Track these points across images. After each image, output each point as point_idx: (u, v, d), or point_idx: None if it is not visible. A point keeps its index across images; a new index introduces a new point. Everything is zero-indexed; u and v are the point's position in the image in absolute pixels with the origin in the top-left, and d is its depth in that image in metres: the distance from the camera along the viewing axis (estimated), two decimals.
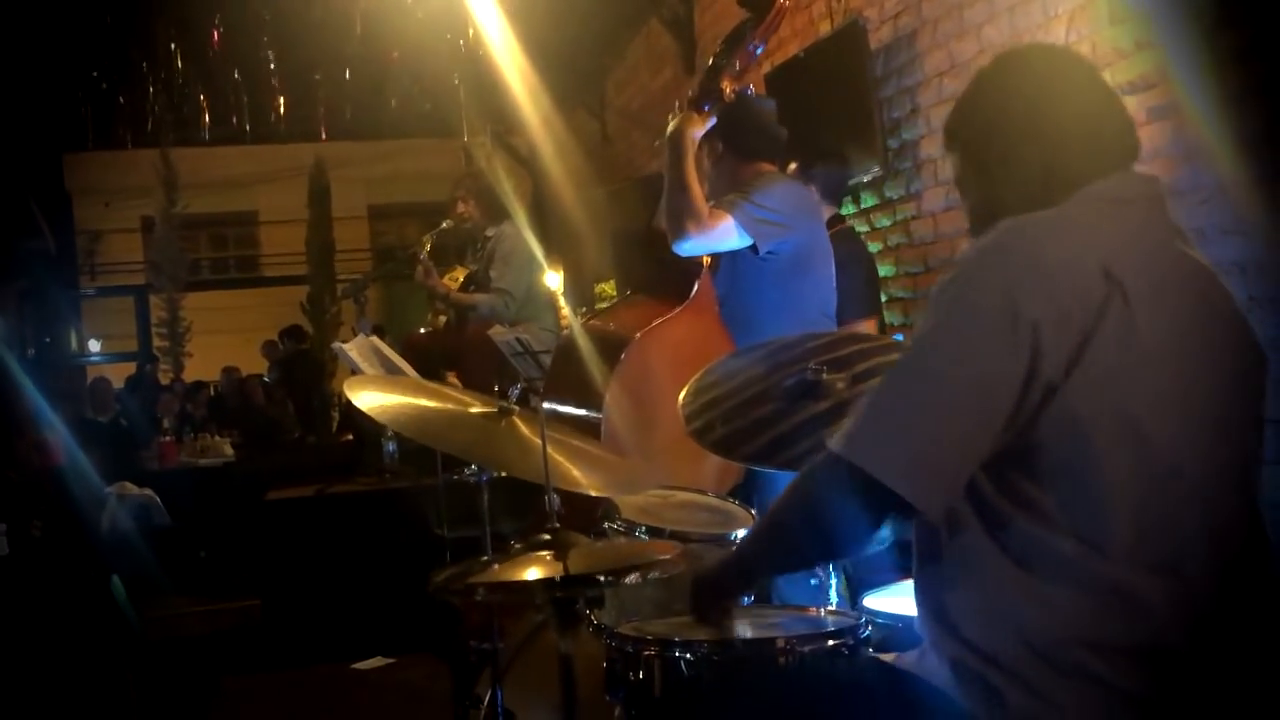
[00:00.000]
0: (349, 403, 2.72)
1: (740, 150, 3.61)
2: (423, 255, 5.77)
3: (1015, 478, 1.59)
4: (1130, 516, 1.55)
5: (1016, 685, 1.56)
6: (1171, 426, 1.58)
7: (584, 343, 3.58)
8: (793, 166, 4.50)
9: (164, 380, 15.78)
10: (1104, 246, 1.61)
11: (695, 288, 3.53)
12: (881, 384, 1.65)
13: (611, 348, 3.42)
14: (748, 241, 3.40)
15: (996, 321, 1.55)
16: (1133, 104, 3.85)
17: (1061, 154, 1.75)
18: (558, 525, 2.07)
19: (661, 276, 3.64)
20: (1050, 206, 1.72)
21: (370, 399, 2.42)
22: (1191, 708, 1.58)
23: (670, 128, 3.44)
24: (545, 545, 2.02)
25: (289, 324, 13.56)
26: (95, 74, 11.46)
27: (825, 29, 6.19)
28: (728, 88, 3.41)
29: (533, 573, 1.95)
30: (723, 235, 3.37)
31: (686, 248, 3.39)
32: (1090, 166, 1.74)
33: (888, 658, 1.79)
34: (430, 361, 5.32)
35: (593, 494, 2.38)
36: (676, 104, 3.46)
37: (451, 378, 5.44)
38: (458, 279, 5.87)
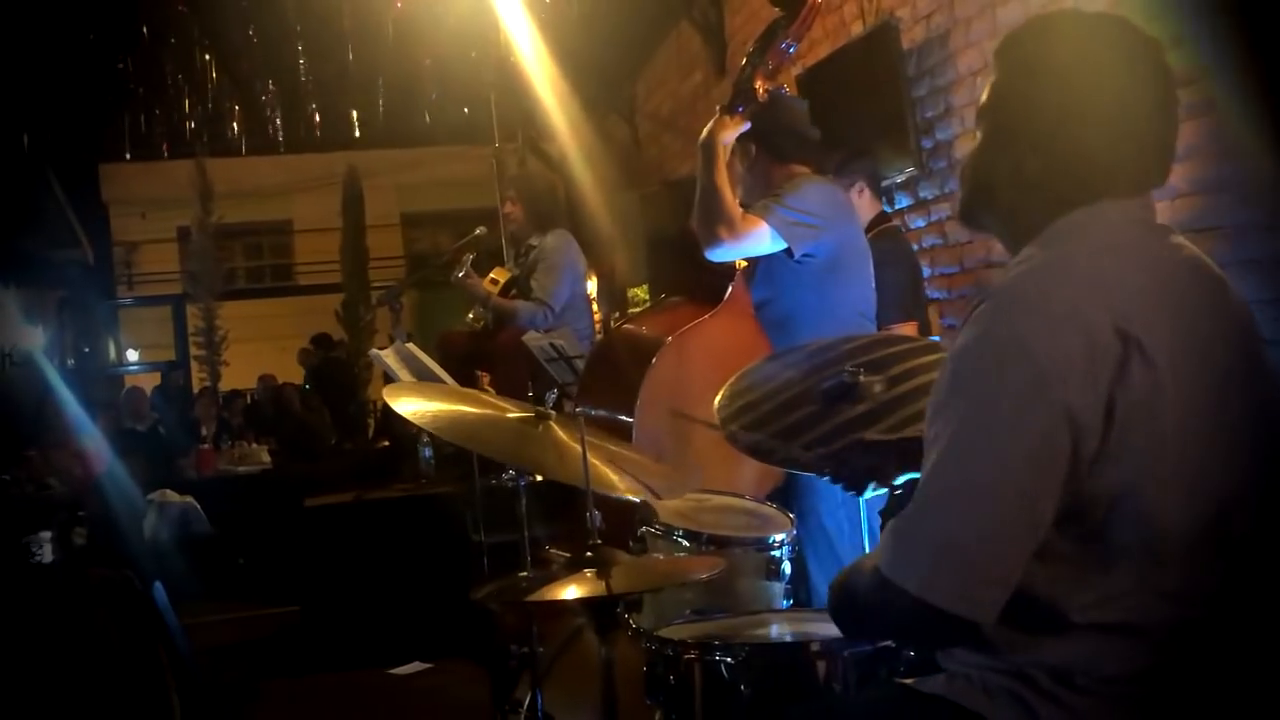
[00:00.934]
0: (385, 409, 2.74)
1: (774, 152, 3.59)
2: (462, 273, 5.73)
3: (1049, 539, 1.54)
4: (1156, 559, 1.53)
5: (1049, 702, 1.55)
6: (1203, 468, 1.54)
7: (617, 347, 3.58)
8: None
9: (196, 387, 15.94)
10: (1112, 297, 1.53)
11: (729, 290, 3.52)
12: (923, 494, 1.56)
13: (645, 351, 3.41)
14: (781, 245, 3.38)
15: (1023, 409, 1.48)
16: None
17: (1087, 157, 1.61)
18: (599, 541, 2.07)
19: (695, 280, 3.63)
20: (1045, 212, 1.63)
21: (409, 406, 2.43)
22: (1221, 711, 1.57)
23: (704, 135, 3.42)
24: (588, 563, 2.02)
25: (322, 331, 13.63)
26: (131, 86, 11.56)
27: (857, 29, 6.18)
28: (761, 88, 3.39)
29: (574, 591, 1.95)
30: (756, 240, 3.35)
31: (719, 254, 3.37)
32: (1112, 183, 1.62)
33: (912, 682, 1.77)
34: (464, 360, 5.32)
35: (631, 498, 2.37)
36: (718, 109, 3.45)
37: (483, 379, 5.44)
38: (499, 281, 5.83)
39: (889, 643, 2.02)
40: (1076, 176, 1.62)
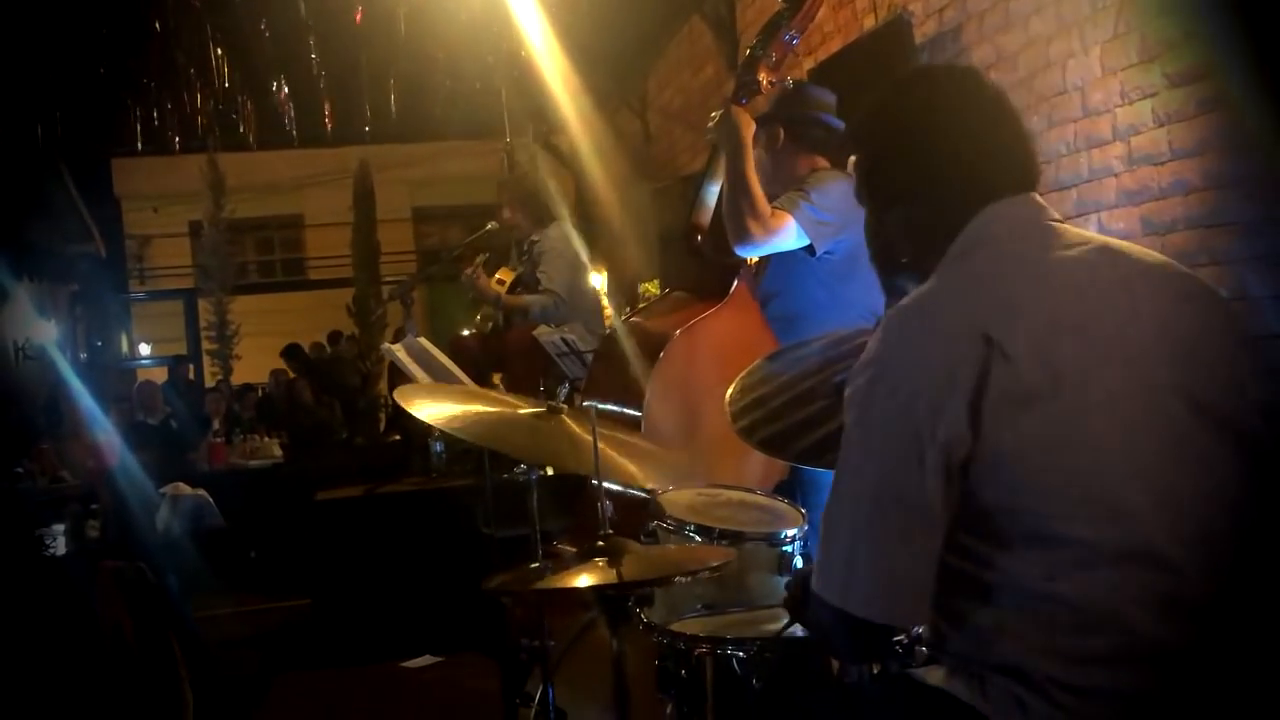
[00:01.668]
0: (397, 403, 2.74)
1: (802, 140, 3.59)
2: (473, 270, 5.76)
3: (972, 543, 1.59)
4: (1088, 550, 1.54)
5: (1040, 697, 1.56)
6: (1109, 460, 1.56)
7: (624, 341, 3.58)
8: (853, 159, 4.47)
9: (209, 382, 15.99)
10: (983, 306, 1.62)
11: (734, 285, 3.51)
12: (827, 510, 1.67)
13: (651, 345, 3.41)
14: (805, 242, 3.38)
15: (891, 424, 1.59)
16: (1181, 95, 3.81)
17: (955, 183, 1.75)
18: (610, 531, 2.07)
19: (701, 274, 3.63)
20: (942, 244, 1.73)
21: (421, 409, 2.44)
22: (1198, 706, 1.56)
23: (724, 127, 3.40)
24: (599, 552, 2.03)
25: (293, 342, 13.61)
26: (143, 80, 11.58)
27: (870, 23, 6.17)
28: (764, 79, 3.40)
29: (586, 580, 1.96)
30: (784, 236, 3.35)
31: (749, 249, 3.37)
32: (986, 193, 1.74)
33: (919, 673, 1.78)
34: (476, 364, 5.33)
35: (645, 484, 2.37)
36: (724, 99, 3.45)
37: (496, 380, 5.45)
38: (505, 281, 5.86)
39: None
40: (957, 203, 1.75)
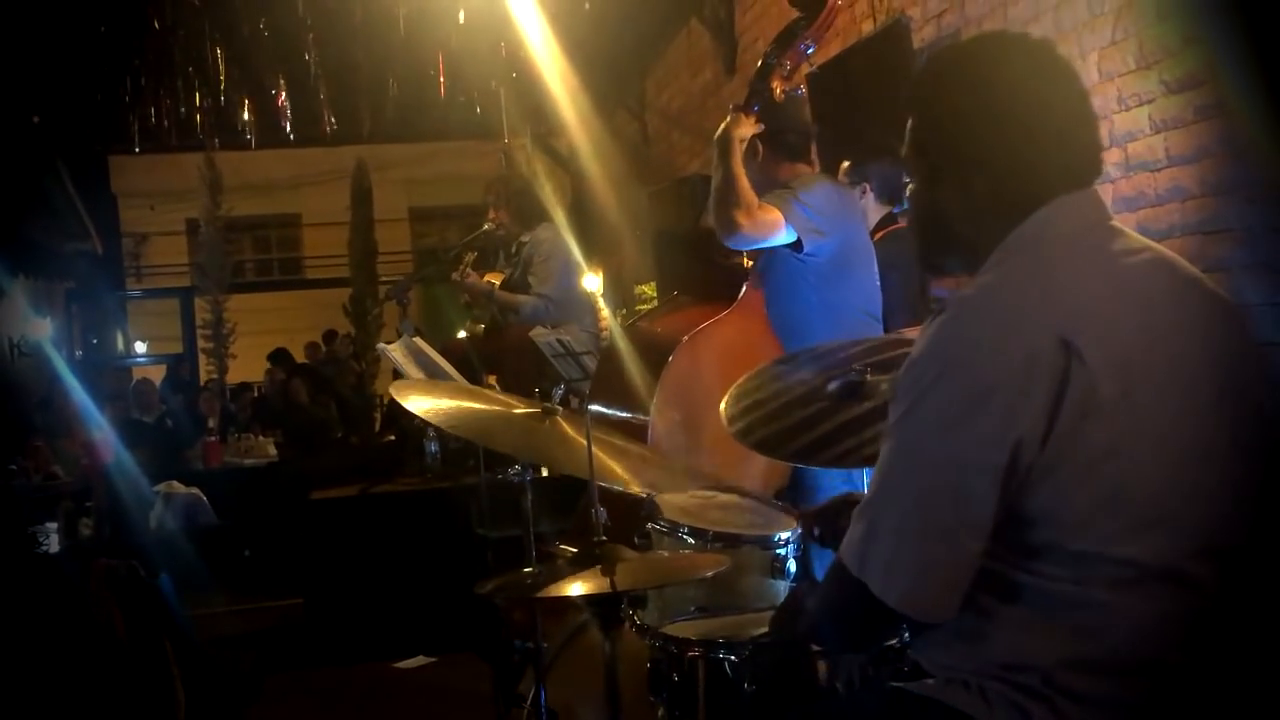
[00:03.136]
0: (392, 403, 2.75)
1: (781, 150, 3.59)
2: (462, 271, 5.77)
3: (1008, 550, 1.57)
4: (1122, 563, 1.53)
5: (1042, 705, 1.55)
6: (1158, 473, 1.54)
7: (630, 345, 3.58)
8: (845, 165, 4.48)
9: (204, 380, 15.97)
10: (1058, 306, 1.55)
11: (743, 290, 3.51)
12: (871, 495, 1.62)
13: (658, 350, 3.41)
14: (793, 238, 3.38)
15: (959, 420, 1.53)
16: (1180, 102, 3.82)
17: (1026, 164, 1.65)
18: (604, 538, 2.07)
19: (707, 278, 3.63)
20: (1001, 228, 1.65)
21: (417, 403, 2.44)
22: (1199, 716, 1.56)
23: (719, 131, 3.41)
24: (592, 559, 2.03)
25: (280, 347, 13.56)
26: (142, 78, 11.58)
27: (868, 28, 6.18)
28: (778, 88, 3.39)
29: (579, 587, 1.95)
30: (772, 228, 3.35)
31: (738, 241, 3.36)
32: (1057, 181, 1.65)
33: (904, 685, 1.77)
34: (470, 366, 5.34)
35: (635, 490, 2.38)
36: (731, 106, 3.44)
37: (490, 381, 5.45)
38: (494, 284, 5.87)
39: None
40: (1022, 184, 1.65)
